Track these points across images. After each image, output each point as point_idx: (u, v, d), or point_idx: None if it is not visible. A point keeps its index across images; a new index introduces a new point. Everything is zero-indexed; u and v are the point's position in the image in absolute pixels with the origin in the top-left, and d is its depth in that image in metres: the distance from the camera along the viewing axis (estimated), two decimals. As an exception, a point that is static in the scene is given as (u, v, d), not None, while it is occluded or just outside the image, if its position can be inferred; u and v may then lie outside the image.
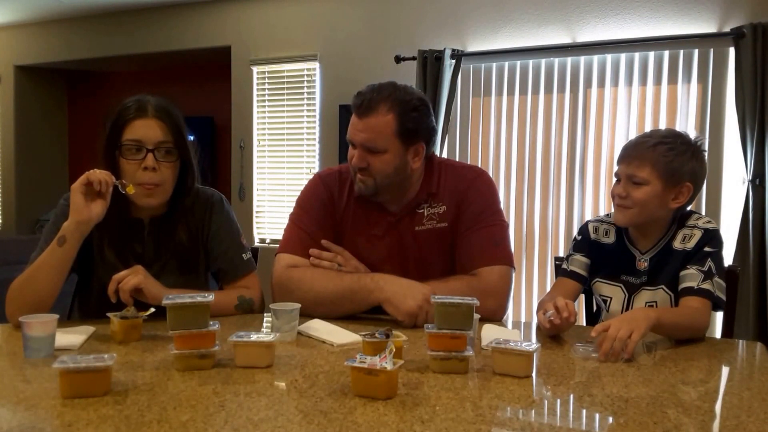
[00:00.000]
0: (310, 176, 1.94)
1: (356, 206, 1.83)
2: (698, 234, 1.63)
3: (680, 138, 1.64)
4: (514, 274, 1.78)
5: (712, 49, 3.58)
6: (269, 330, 1.55)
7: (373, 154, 1.71)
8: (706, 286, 1.56)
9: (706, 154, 1.68)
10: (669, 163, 1.59)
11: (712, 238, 1.62)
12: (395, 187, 1.77)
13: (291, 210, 1.88)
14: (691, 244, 1.63)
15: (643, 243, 1.70)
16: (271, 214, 4.90)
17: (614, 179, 1.70)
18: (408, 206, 1.80)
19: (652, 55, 3.71)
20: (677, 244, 1.65)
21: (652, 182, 1.60)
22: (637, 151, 1.63)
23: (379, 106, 1.69)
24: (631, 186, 1.63)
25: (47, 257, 1.56)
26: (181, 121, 1.68)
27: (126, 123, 1.61)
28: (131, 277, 1.53)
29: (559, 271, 1.82)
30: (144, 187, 1.61)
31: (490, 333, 1.49)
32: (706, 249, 1.61)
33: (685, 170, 1.61)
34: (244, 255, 1.79)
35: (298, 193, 1.90)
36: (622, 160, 1.67)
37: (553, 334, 1.52)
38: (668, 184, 1.61)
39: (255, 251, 1.95)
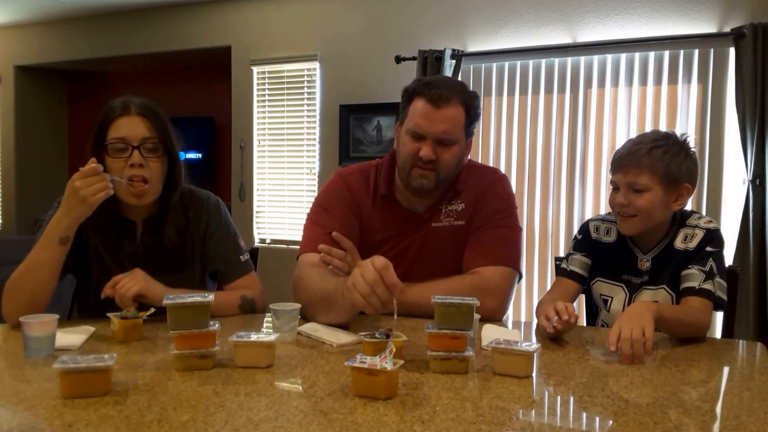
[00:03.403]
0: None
1: (382, 204, 1.81)
2: (700, 234, 1.63)
3: (671, 138, 1.63)
4: (517, 279, 1.76)
5: (712, 50, 3.57)
6: (269, 330, 1.55)
7: (444, 146, 1.68)
8: (707, 286, 1.56)
9: (695, 151, 1.67)
10: (666, 167, 1.59)
11: (714, 238, 1.62)
12: (450, 181, 1.76)
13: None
14: (693, 244, 1.62)
15: (644, 243, 1.70)
16: (271, 214, 4.87)
17: (611, 188, 1.69)
18: (435, 203, 1.79)
19: (652, 55, 3.71)
20: (679, 244, 1.64)
21: (653, 188, 1.60)
22: (633, 159, 1.61)
23: (454, 96, 1.66)
24: (632, 194, 1.62)
25: (45, 255, 1.55)
26: (166, 117, 1.69)
27: (110, 122, 1.62)
28: (132, 284, 1.52)
29: (559, 270, 1.81)
30: (133, 188, 1.61)
31: (490, 333, 1.49)
32: (708, 249, 1.61)
33: (683, 171, 1.61)
34: (241, 256, 1.79)
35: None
36: (618, 169, 1.65)
37: (554, 337, 1.51)
38: (668, 188, 1.60)
39: (255, 251, 1.95)
